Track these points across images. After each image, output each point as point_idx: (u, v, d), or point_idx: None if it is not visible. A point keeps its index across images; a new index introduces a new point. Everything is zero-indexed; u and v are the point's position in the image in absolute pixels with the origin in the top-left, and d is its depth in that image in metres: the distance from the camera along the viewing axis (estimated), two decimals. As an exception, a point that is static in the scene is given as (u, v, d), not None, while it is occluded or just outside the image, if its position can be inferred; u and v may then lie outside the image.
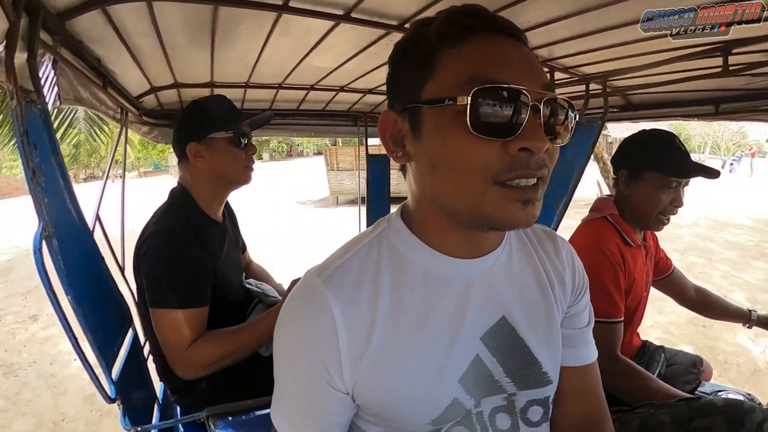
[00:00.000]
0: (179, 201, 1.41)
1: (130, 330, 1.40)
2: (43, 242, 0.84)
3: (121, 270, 1.79)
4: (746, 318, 1.81)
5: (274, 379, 0.75)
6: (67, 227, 1.01)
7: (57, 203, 0.95)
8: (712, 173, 1.49)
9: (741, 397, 1.62)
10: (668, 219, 1.49)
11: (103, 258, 1.26)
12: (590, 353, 0.88)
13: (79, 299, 0.93)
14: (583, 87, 1.84)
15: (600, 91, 1.82)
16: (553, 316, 0.80)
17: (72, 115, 8.86)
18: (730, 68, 1.30)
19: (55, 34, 1.00)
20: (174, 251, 1.28)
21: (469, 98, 0.56)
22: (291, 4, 1.05)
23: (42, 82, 0.93)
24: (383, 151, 0.84)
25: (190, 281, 1.29)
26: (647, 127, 1.63)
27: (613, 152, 1.63)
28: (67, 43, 1.08)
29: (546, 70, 1.70)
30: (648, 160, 1.46)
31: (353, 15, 1.15)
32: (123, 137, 1.86)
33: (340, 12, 1.14)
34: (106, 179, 1.76)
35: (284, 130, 2.61)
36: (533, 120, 0.58)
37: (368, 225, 2.86)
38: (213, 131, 1.38)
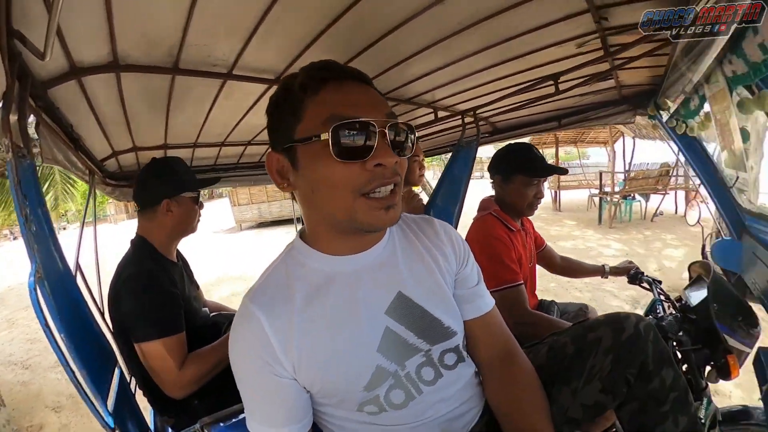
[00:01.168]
0: (142, 249, 1.47)
1: (116, 367, 1.36)
2: (37, 285, 0.83)
3: (101, 313, 1.76)
4: (602, 272, 2.17)
5: (240, 394, 0.81)
6: (54, 271, 1.01)
7: (44, 249, 0.95)
8: (562, 171, 1.89)
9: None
10: (536, 206, 1.80)
11: (86, 301, 1.26)
12: (486, 303, 0.96)
13: (71, 337, 0.93)
14: (459, 120, 2.15)
15: (472, 121, 2.12)
16: (441, 283, 0.89)
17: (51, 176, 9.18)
18: (560, 91, 1.63)
19: (39, 100, 1.07)
20: (148, 289, 1.33)
21: (330, 134, 0.68)
22: (234, 72, 1.20)
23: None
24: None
25: (166, 313, 1.33)
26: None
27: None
28: (47, 108, 1.14)
29: (431, 110, 2.01)
30: (514, 167, 1.76)
31: (281, 79, 1.31)
32: (92, 197, 1.87)
33: (272, 77, 1.31)
34: (82, 232, 1.79)
35: (228, 182, 2.66)
36: (382, 141, 0.70)
37: None
38: (183, 191, 1.50)
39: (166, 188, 1.48)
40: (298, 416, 0.81)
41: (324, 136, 0.68)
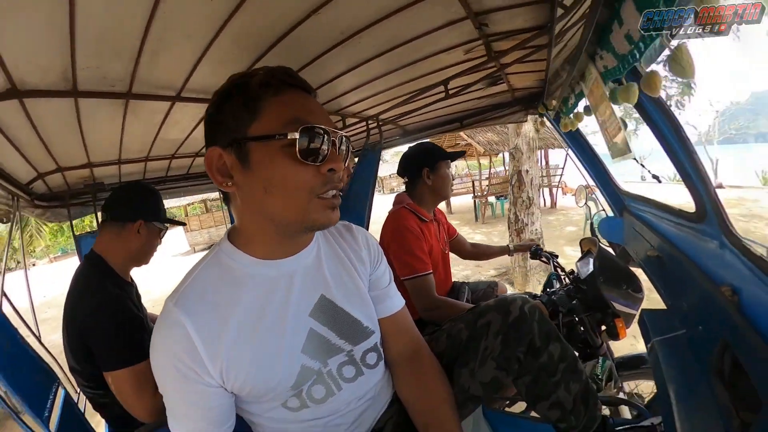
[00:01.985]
0: (100, 269, 1.39)
1: (60, 388, 1.29)
2: None
3: (37, 337, 1.70)
4: (508, 251, 2.32)
5: (163, 399, 0.76)
6: None
7: None
8: (462, 153, 2.11)
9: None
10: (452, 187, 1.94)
11: (15, 329, 1.20)
12: (396, 303, 0.99)
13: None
14: (364, 125, 2.21)
15: (375, 125, 2.19)
16: (360, 285, 0.91)
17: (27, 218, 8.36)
18: (450, 95, 1.72)
19: None
20: (118, 318, 1.26)
21: (298, 134, 0.68)
22: (133, 91, 1.15)
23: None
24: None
25: (137, 339, 1.26)
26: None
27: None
28: None
29: (339, 117, 2.05)
30: (437, 156, 1.87)
31: (182, 95, 1.28)
32: (18, 222, 1.76)
33: (172, 93, 1.27)
34: (6, 260, 1.73)
35: (166, 192, 2.55)
36: (333, 149, 0.73)
37: None
38: (158, 220, 1.49)
39: (145, 210, 1.46)
40: (221, 420, 0.78)
41: (291, 136, 0.68)
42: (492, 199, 11.81)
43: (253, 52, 1.19)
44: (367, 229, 1.44)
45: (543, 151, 12.51)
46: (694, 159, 1.06)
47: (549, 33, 1.24)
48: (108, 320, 1.24)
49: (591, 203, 7.60)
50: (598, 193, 2.04)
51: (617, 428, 1.10)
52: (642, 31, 0.80)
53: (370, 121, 2.17)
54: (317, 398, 0.85)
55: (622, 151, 1.25)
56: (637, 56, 0.88)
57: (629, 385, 1.84)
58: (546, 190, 12.60)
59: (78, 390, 1.46)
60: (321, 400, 0.85)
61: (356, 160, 2.37)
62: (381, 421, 0.96)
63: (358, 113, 2.11)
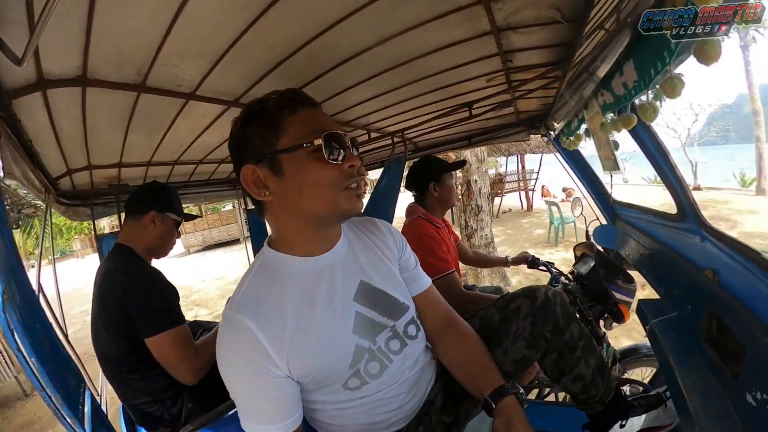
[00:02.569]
0: (131, 254, 1.42)
1: (86, 389, 1.19)
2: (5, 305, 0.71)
3: (65, 336, 1.60)
4: (505, 262, 2.37)
5: (234, 399, 0.81)
6: (20, 293, 0.85)
7: (9, 268, 0.80)
8: (463, 163, 2.17)
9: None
10: (457, 195, 2.02)
11: (51, 323, 1.10)
12: (425, 281, 1.06)
13: (42, 360, 0.81)
14: (388, 140, 2.30)
15: (400, 140, 2.28)
16: (391, 267, 0.99)
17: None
18: (473, 116, 1.82)
19: (2, 111, 0.93)
20: (155, 285, 1.32)
21: (323, 140, 0.77)
22: (197, 92, 1.17)
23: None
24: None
25: (174, 305, 1.33)
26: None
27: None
28: (9, 120, 1.00)
29: (365, 131, 2.12)
30: (440, 170, 1.93)
31: (240, 101, 1.32)
32: (48, 215, 1.70)
33: (231, 99, 1.29)
34: (41, 253, 1.71)
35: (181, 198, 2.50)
36: (350, 150, 0.82)
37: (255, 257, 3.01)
38: (170, 211, 1.52)
39: (156, 203, 1.49)
40: (292, 410, 0.82)
41: (317, 142, 0.77)
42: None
43: (307, 75, 1.26)
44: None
45: (519, 156, 12.86)
46: (674, 170, 1.22)
47: (563, 69, 1.36)
48: (148, 287, 1.30)
49: (554, 207, 7.92)
50: (591, 201, 2.14)
51: (629, 399, 1.19)
52: (634, 82, 0.95)
53: (395, 136, 2.24)
54: (374, 374, 0.90)
55: (612, 167, 1.46)
56: (629, 98, 1.03)
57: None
58: (523, 194, 12.92)
59: (100, 393, 1.44)
60: (377, 374, 0.90)
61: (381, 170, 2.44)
62: (431, 393, 1.03)
63: (382, 128, 2.17)
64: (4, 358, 4.02)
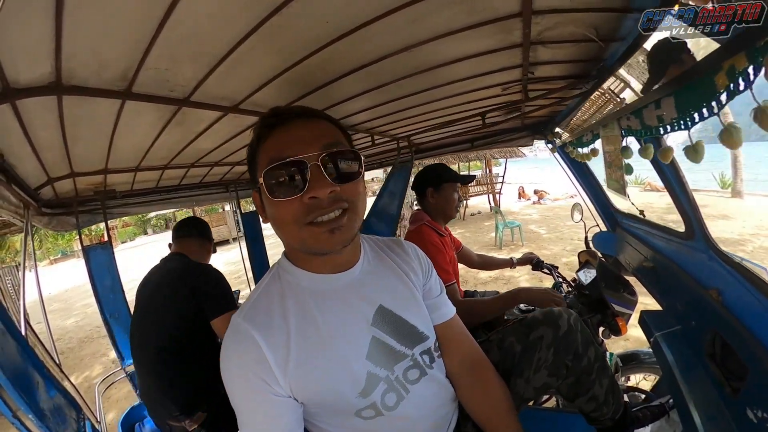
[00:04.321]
0: (188, 259, 1.69)
1: (85, 420, 1.10)
2: None
3: (59, 366, 1.48)
4: (510, 263, 2.29)
5: (235, 411, 0.74)
6: (4, 344, 0.75)
7: None
8: (472, 177, 2.08)
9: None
10: (458, 208, 1.91)
11: (42, 363, 0.98)
12: (449, 311, 0.97)
13: (39, 414, 0.73)
14: (394, 144, 2.19)
15: (407, 144, 2.17)
16: (414, 293, 0.89)
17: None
18: (486, 125, 1.72)
19: None
20: (219, 275, 1.63)
21: (261, 179, 0.68)
22: (191, 98, 1.02)
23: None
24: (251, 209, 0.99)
25: (231, 292, 1.63)
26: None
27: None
28: None
29: (368, 135, 1.98)
30: (443, 178, 1.81)
31: (240, 107, 1.17)
32: (29, 236, 1.51)
33: (229, 104, 1.14)
34: (24, 281, 1.49)
35: (168, 203, 2.38)
36: (317, 174, 0.67)
37: (249, 258, 2.94)
38: (211, 242, 1.89)
39: (208, 236, 1.87)
40: (291, 431, 0.75)
41: (261, 182, 0.69)
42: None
43: (311, 83, 1.13)
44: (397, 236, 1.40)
45: (485, 161, 13.14)
46: (688, 194, 1.23)
47: (588, 84, 1.28)
48: (214, 277, 1.60)
49: (498, 215, 8.13)
50: (591, 207, 2.12)
51: (634, 410, 1.18)
52: (673, 121, 0.88)
53: (401, 141, 2.12)
54: (390, 405, 0.81)
55: (618, 189, 1.50)
56: (660, 132, 0.99)
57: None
58: (491, 197, 13.05)
59: (99, 419, 1.43)
60: (393, 406, 0.82)
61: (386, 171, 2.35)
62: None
63: (387, 132, 2.03)
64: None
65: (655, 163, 1.27)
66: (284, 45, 0.87)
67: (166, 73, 0.87)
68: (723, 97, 0.68)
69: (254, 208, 2.41)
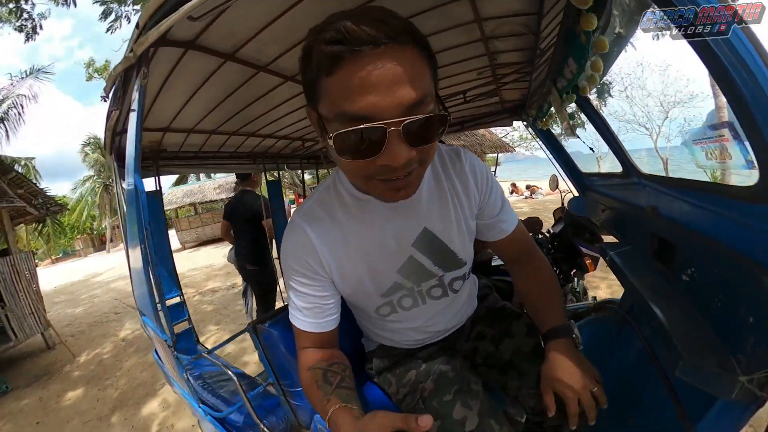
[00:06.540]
0: (253, 192, 3.57)
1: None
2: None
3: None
4: None
5: (288, 292, 0.86)
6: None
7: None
8: None
9: None
10: None
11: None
12: (509, 226, 0.95)
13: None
14: None
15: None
16: (460, 218, 0.88)
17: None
18: (467, 100, 2.13)
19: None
20: (262, 202, 3.46)
21: (332, 141, 0.57)
22: (269, 67, 1.31)
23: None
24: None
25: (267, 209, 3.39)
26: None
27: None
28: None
29: None
30: None
31: (296, 78, 1.42)
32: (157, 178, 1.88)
33: (290, 75, 1.42)
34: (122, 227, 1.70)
35: (207, 167, 3.14)
36: (393, 140, 0.56)
37: (275, 231, 3.05)
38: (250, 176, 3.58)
39: (250, 176, 3.54)
40: (332, 311, 0.87)
41: (333, 136, 0.58)
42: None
43: None
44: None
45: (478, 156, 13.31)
46: (615, 138, 1.47)
47: (531, 66, 1.72)
48: (261, 203, 3.42)
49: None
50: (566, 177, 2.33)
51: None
52: (573, 72, 1.24)
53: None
54: (405, 306, 0.93)
55: (570, 133, 1.77)
56: (575, 80, 1.29)
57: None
58: None
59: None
60: (408, 308, 0.94)
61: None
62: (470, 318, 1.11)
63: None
64: (35, 318, 5.05)
65: (588, 115, 1.56)
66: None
67: (263, 46, 1.17)
68: (587, 46, 1.02)
69: (269, 192, 3.17)
